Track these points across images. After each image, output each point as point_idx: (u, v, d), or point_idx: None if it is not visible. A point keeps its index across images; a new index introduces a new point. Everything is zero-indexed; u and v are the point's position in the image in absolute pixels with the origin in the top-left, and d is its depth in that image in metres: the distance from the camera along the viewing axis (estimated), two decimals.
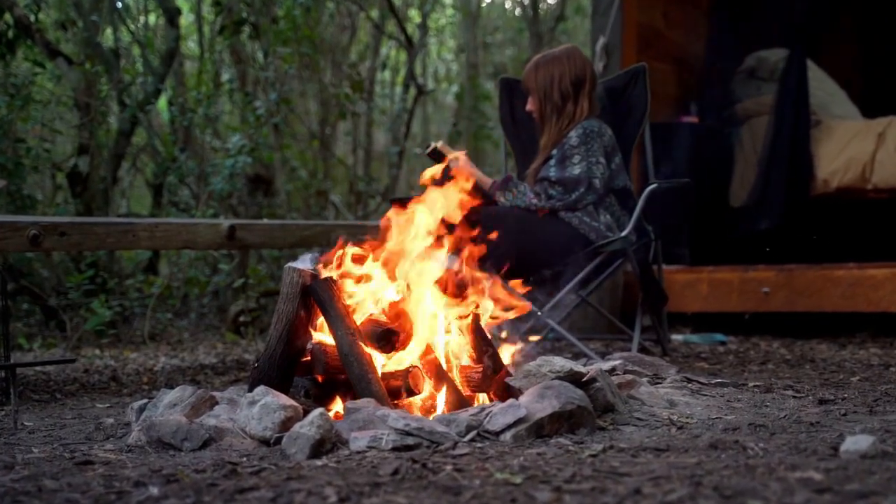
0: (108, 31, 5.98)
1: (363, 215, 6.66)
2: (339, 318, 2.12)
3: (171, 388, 2.29)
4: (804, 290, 4.22)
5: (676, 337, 4.26)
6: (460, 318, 2.25)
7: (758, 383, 2.62)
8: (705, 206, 5.05)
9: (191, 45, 8.08)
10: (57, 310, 4.56)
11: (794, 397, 2.39)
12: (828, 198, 4.84)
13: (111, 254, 5.01)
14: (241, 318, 4.78)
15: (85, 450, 1.97)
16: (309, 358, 2.20)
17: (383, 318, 2.22)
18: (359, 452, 1.76)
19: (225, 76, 6.38)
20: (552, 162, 3.27)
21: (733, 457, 1.63)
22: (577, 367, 2.11)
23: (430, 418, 1.95)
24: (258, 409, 1.96)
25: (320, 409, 1.85)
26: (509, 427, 1.86)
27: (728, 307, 4.44)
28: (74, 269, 4.84)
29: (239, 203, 5.80)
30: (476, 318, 2.28)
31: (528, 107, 3.44)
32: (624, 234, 3.19)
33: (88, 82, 4.91)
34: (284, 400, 1.97)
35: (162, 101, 6.83)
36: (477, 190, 3.19)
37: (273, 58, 5.76)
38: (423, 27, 8.11)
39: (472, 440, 1.84)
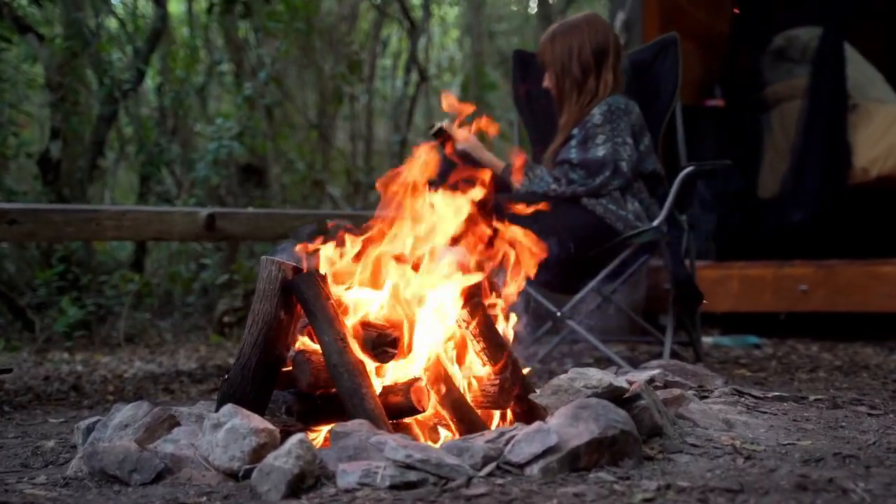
0: (90, 10, 5.58)
1: (362, 207, 6.28)
2: (326, 320, 1.74)
3: (141, 398, 1.93)
4: (846, 288, 3.83)
5: (705, 339, 3.87)
6: (468, 319, 1.86)
7: (819, 396, 2.24)
8: (732, 197, 4.66)
9: (186, 34, 7.70)
10: (24, 309, 4.16)
11: (871, 415, 2.01)
12: (867, 187, 4.45)
13: (87, 247, 4.61)
14: (226, 319, 4.39)
15: (12, 483, 1.60)
16: (291, 367, 1.83)
17: (380, 321, 1.84)
18: (347, 491, 1.40)
19: (216, 57, 5.98)
20: (573, 143, 2.90)
21: (833, 503, 1.25)
22: (618, 381, 1.73)
23: (438, 446, 1.57)
24: (224, 433, 1.58)
25: (300, 436, 1.47)
26: (537, 458, 1.48)
27: (761, 307, 4.06)
28: (46, 263, 4.44)
29: (227, 193, 5.40)
30: (488, 317, 1.89)
31: (545, 83, 3.07)
32: (655, 223, 2.81)
33: (62, 60, 4.51)
34: (256, 422, 1.59)
35: (153, 96, 6.45)
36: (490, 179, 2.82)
37: (263, 34, 5.35)
38: (426, 9, 7.73)
39: (491, 475, 1.46)
